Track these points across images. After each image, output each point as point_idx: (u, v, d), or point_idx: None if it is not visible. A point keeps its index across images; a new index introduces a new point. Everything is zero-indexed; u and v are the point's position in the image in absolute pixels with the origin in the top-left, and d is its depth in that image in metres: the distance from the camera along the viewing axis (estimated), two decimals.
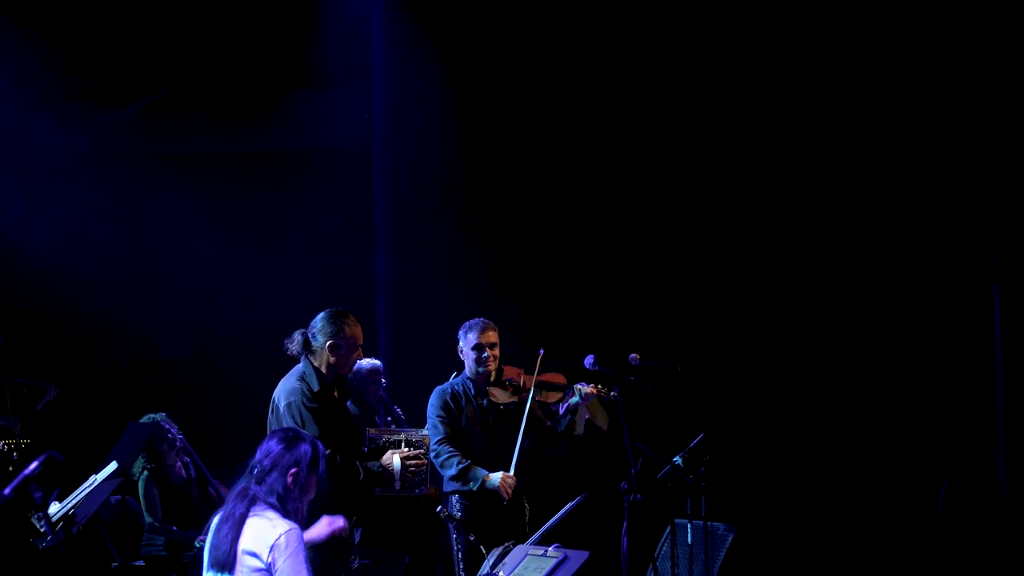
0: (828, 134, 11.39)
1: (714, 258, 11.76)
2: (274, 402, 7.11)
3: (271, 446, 5.36)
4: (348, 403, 10.10)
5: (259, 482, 5.29)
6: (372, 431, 7.45)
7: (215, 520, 5.36)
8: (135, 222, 12.35)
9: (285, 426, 5.65)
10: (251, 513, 5.21)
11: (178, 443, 9.41)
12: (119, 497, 9.53)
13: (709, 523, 9.53)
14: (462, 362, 8.33)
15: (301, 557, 5.07)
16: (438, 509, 6.86)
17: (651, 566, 9.33)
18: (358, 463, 7.02)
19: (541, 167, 12.10)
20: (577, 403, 8.03)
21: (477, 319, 8.26)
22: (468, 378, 8.23)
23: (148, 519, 9.28)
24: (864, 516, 10.93)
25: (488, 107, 12.19)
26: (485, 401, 8.16)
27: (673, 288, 11.77)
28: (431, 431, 8.00)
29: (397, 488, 7.09)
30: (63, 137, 11.89)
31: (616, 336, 9.96)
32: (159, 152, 12.55)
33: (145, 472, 9.30)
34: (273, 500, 5.23)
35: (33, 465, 4.95)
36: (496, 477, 7.80)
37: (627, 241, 11.95)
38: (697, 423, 8.32)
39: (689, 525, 8.38)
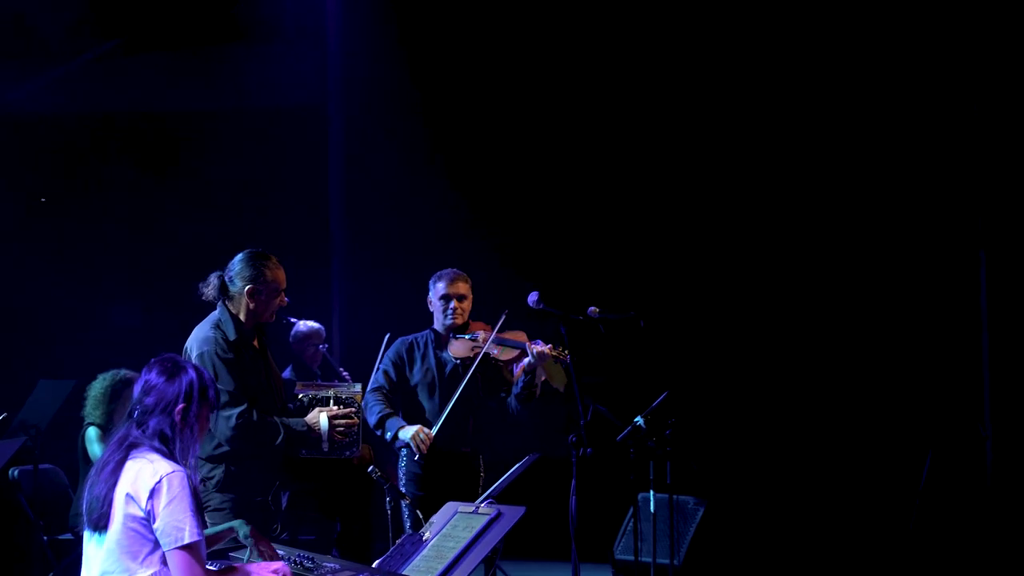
0: (809, 95, 10.82)
1: (685, 207, 11.21)
2: (186, 352, 6.42)
3: (150, 380, 4.53)
4: (288, 371, 9.56)
5: (140, 425, 4.46)
6: (299, 386, 6.74)
7: (90, 473, 4.52)
8: (75, 185, 11.66)
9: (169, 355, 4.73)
10: (130, 456, 4.40)
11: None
12: (48, 466, 8.84)
13: (677, 497, 9.11)
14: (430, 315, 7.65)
15: (186, 503, 4.27)
16: (369, 469, 6.16)
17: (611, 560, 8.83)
18: (279, 421, 6.32)
19: (505, 118, 11.58)
20: (532, 363, 7.32)
21: (448, 269, 7.60)
22: (433, 329, 7.57)
23: (83, 471, 8.46)
24: (847, 487, 10.34)
25: (446, 57, 11.67)
26: (444, 354, 7.48)
27: (639, 237, 11.27)
28: (372, 379, 7.48)
29: (325, 450, 6.38)
30: None
31: (582, 289, 9.36)
32: (99, 112, 11.84)
33: (95, 429, 8.49)
34: (157, 443, 4.42)
35: None
36: (409, 431, 7.10)
37: (593, 192, 11.44)
38: (661, 382, 7.69)
39: (652, 495, 7.76)
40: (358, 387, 6.78)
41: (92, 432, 8.43)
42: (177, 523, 4.25)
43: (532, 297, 6.74)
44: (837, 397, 10.53)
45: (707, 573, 9.39)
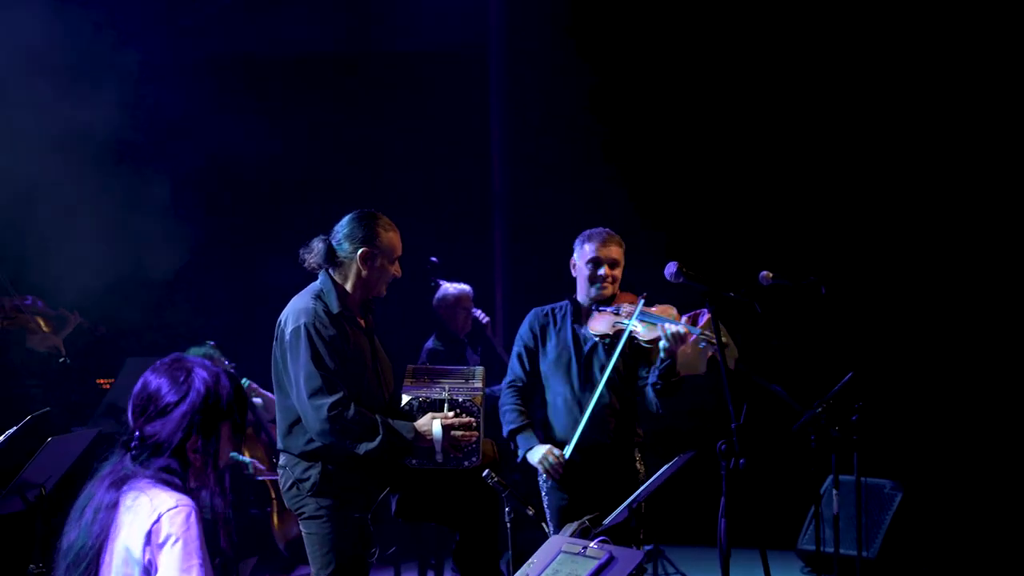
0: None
1: (876, 159, 10.27)
2: (280, 327, 5.51)
3: (153, 391, 3.47)
4: (431, 340, 8.67)
5: (139, 461, 3.45)
6: (406, 382, 5.67)
7: (71, 514, 3.50)
8: (226, 132, 10.88)
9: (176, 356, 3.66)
10: (123, 492, 3.41)
11: None
12: None
13: (872, 480, 8.21)
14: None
15: (193, 546, 3.30)
16: (484, 474, 5.21)
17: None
18: (380, 420, 5.29)
19: (677, 67, 10.70)
20: (668, 347, 6.08)
21: (599, 228, 6.38)
22: (573, 300, 6.38)
23: None
24: None
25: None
26: (584, 330, 6.32)
27: (818, 193, 10.37)
28: (509, 366, 6.36)
29: (439, 461, 5.40)
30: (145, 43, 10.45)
31: (756, 254, 8.38)
32: (251, 54, 11.07)
33: None
34: (165, 476, 3.42)
35: None
36: (536, 453, 6.03)
37: (769, 146, 10.54)
38: (845, 360, 6.68)
39: (834, 493, 6.73)
40: (478, 378, 5.74)
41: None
42: (183, 572, 3.29)
43: (670, 268, 5.47)
44: None
45: (906, 568, 8.42)
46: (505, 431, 6.15)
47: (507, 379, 6.29)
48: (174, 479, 3.42)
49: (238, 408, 3.55)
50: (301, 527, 5.39)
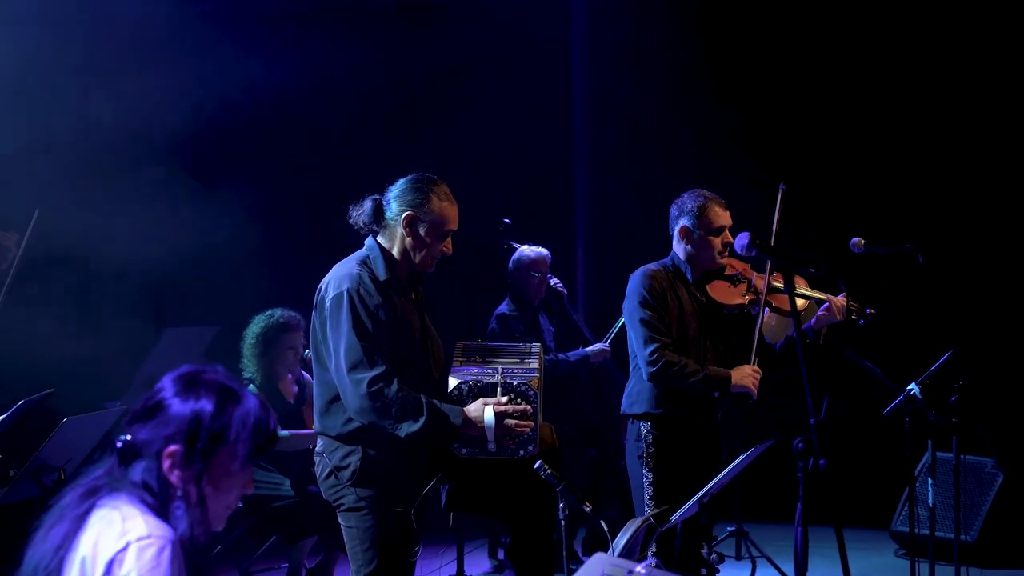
0: None
1: (980, 127, 9.79)
2: (320, 293, 5.05)
3: (156, 388, 3.00)
4: (504, 304, 8.23)
5: (123, 462, 2.95)
6: (456, 363, 5.15)
7: (43, 521, 2.99)
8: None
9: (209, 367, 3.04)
10: (98, 504, 2.92)
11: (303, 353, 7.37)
12: None
13: (971, 458, 7.93)
14: (667, 245, 6.03)
15: None
16: (536, 466, 4.72)
17: None
18: (425, 401, 4.80)
19: (780, 18, 10.26)
20: (828, 319, 5.76)
21: (709, 193, 5.91)
22: (683, 263, 5.92)
23: None
24: None
25: None
26: (704, 298, 5.91)
27: (921, 157, 9.92)
28: (638, 330, 5.76)
29: (492, 450, 4.90)
30: None
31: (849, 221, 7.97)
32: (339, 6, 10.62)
33: (254, 388, 7.14)
34: (142, 493, 2.91)
35: None
36: (745, 375, 5.66)
37: (871, 107, 10.08)
38: (944, 335, 6.23)
39: (930, 482, 6.27)
40: (535, 356, 5.21)
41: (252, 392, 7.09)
42: None
43: (742, 240, 4.90)
44: None
45: (1009, 552, 7.92)
46: (695, 380, 5.68)
47: (655, 344, 5.70)
48: (149, 498, 2.91)
49: (252, 443, 3.00)
50: (340, 520, 4.92)
